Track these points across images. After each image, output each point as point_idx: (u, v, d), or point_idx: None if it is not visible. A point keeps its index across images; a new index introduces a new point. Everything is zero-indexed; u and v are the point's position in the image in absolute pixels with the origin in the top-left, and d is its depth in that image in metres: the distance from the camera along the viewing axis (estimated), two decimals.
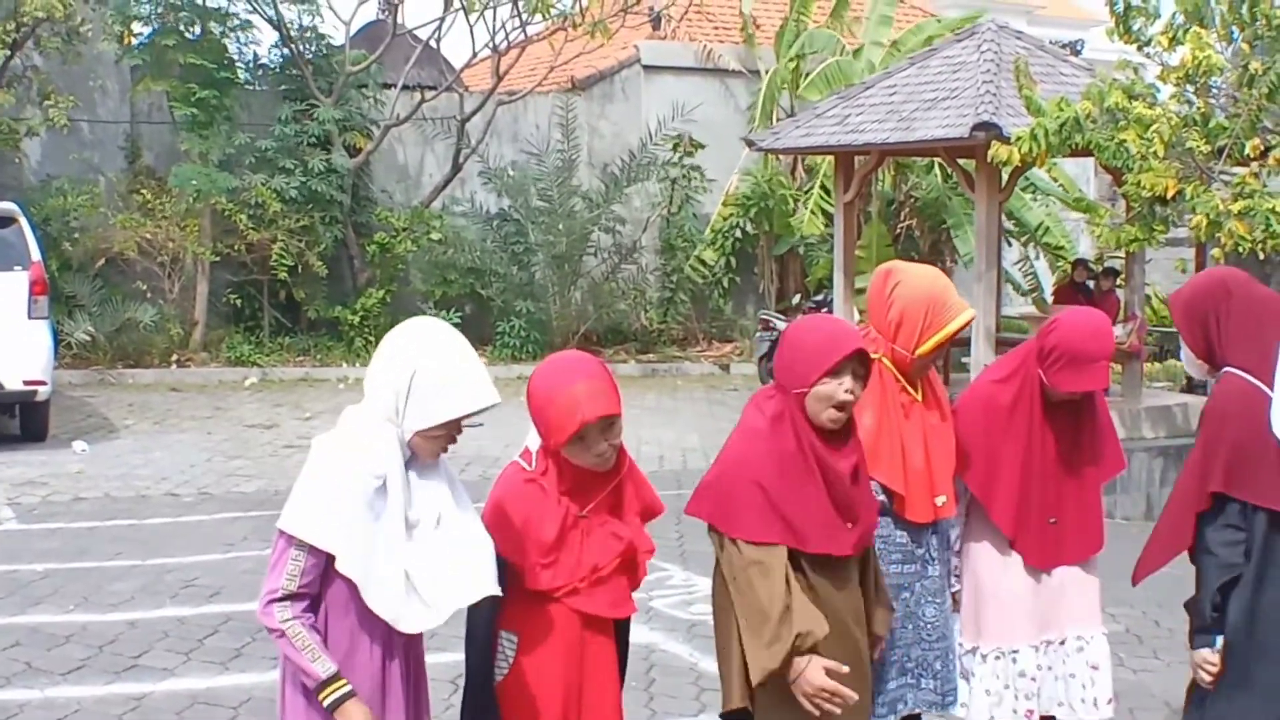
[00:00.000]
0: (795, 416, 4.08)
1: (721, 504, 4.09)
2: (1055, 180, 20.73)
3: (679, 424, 16.26)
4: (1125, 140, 10.59)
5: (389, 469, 3.60)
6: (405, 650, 3.82)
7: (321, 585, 3.67)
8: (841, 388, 4.05)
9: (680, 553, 9.87)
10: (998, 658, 5.05)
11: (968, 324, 4.66)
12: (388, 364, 3.65)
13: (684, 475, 12.71)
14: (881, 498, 4.54)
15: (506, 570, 3.86)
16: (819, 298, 19.02)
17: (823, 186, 20.52)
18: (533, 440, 3.99)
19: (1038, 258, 22.70)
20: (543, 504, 3.93)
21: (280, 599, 3.64)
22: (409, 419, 3.64)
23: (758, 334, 19.32)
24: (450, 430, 3.69)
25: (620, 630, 4.18)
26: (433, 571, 3.63)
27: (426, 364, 3.61)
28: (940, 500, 4.67)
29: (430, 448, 3.71)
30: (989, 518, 5.01)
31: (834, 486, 4.09)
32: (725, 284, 22.97)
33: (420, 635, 3.83)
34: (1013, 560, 5.06)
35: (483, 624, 3.90)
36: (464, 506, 3.76)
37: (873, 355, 4.32)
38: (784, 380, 4.13)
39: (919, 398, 4.69)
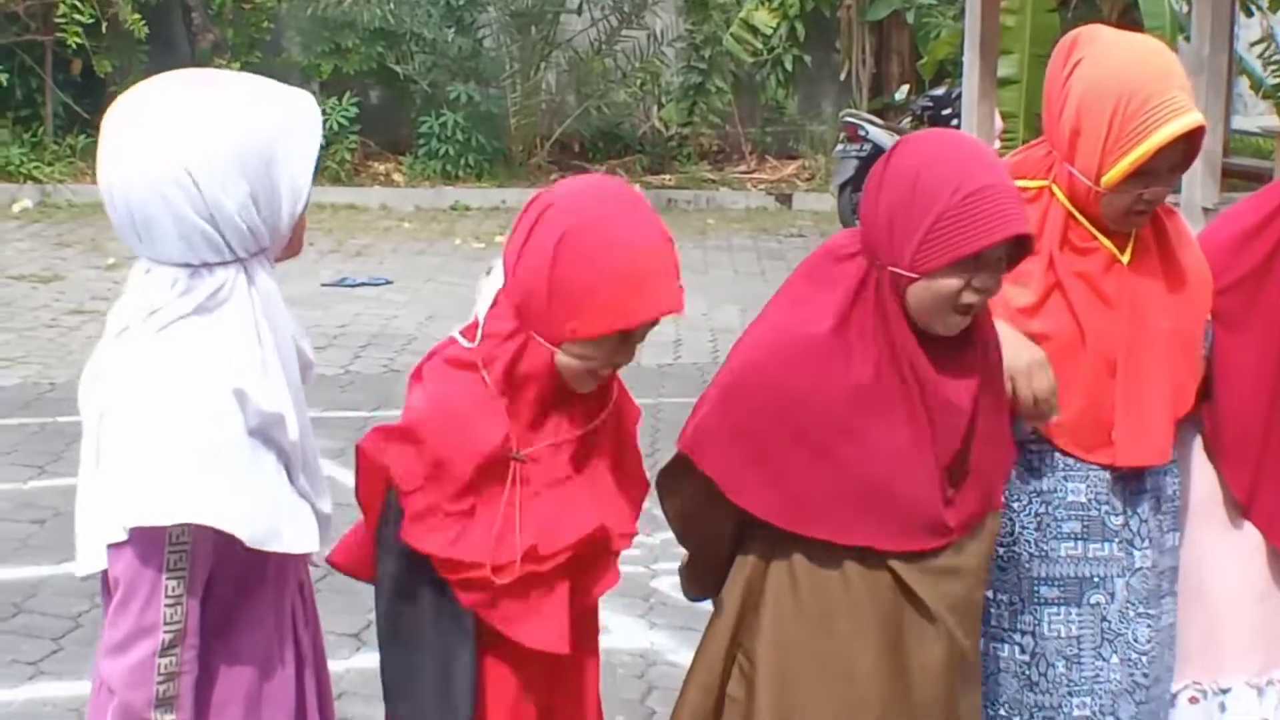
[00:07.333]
0: (887, 305, 3.23)
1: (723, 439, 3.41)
2: None
3: (710, 289, 14.67)
4: None
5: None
6: (311, 631, 3.34)
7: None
8: (972, 286, 3.20)
9: None
10: (1194, 699, 4.24)
11: (1192, 138, 3.55)
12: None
13: (712, 373, 12.68)
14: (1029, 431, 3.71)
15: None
16: (938, 92, 17.25)
17: None
18: (488, 294, 3.32)
19: None
20: (484, 409, 3.19)
21: (168, 649, 3.00)
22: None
23: (839, 147, 17.34)
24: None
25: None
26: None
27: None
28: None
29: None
30: (1211, 463, 4.06)
31: (943, 431, 3.24)
32: (788, 66, 20.58)
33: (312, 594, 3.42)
34: (1238, 538, 4.06)
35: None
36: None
37: (1035, 185, 3.63)
38: (876, 243, 3.25)
39: (1124, 258, 3.68)
